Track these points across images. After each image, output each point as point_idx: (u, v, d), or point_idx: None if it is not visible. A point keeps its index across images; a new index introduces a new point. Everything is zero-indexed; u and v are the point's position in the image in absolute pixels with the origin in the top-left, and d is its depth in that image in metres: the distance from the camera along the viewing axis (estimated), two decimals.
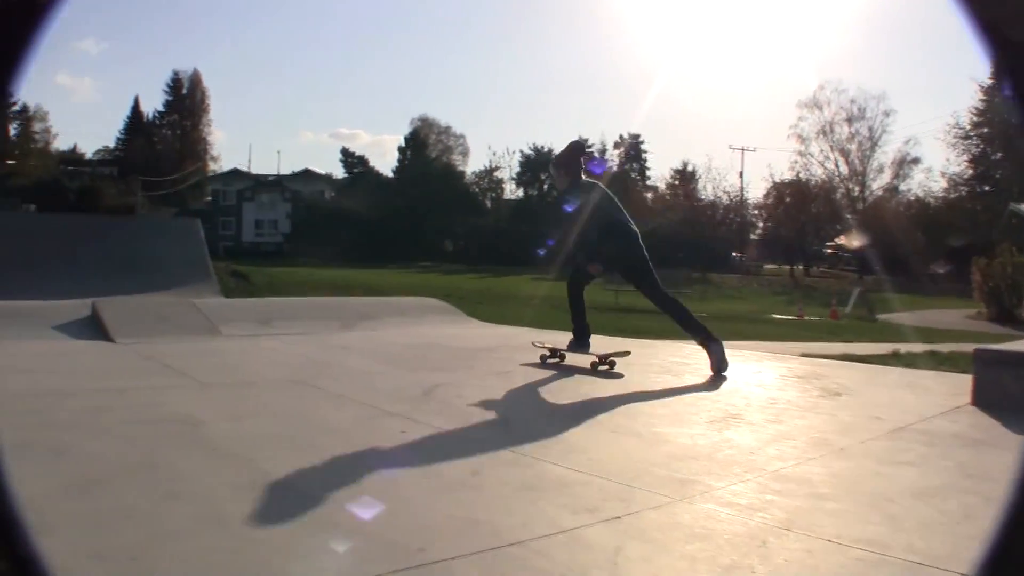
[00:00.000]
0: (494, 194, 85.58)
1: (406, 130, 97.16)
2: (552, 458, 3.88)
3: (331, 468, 3.74)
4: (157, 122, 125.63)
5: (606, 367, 6.73)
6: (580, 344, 7.14)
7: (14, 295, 10.98)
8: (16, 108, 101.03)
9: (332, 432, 4.46)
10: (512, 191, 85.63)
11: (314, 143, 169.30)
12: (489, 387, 6.03)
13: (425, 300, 13.89)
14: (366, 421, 4.72)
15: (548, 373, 6.73)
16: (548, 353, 7.26)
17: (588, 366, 6.79)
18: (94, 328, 8.73)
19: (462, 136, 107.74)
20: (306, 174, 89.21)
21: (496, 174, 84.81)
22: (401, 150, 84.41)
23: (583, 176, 6.87)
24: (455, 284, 30.61)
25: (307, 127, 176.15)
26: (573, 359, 7.10)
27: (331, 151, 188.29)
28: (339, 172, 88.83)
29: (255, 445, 4.09)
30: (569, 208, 6.65)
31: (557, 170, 6.96)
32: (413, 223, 70.47)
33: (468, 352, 8.17)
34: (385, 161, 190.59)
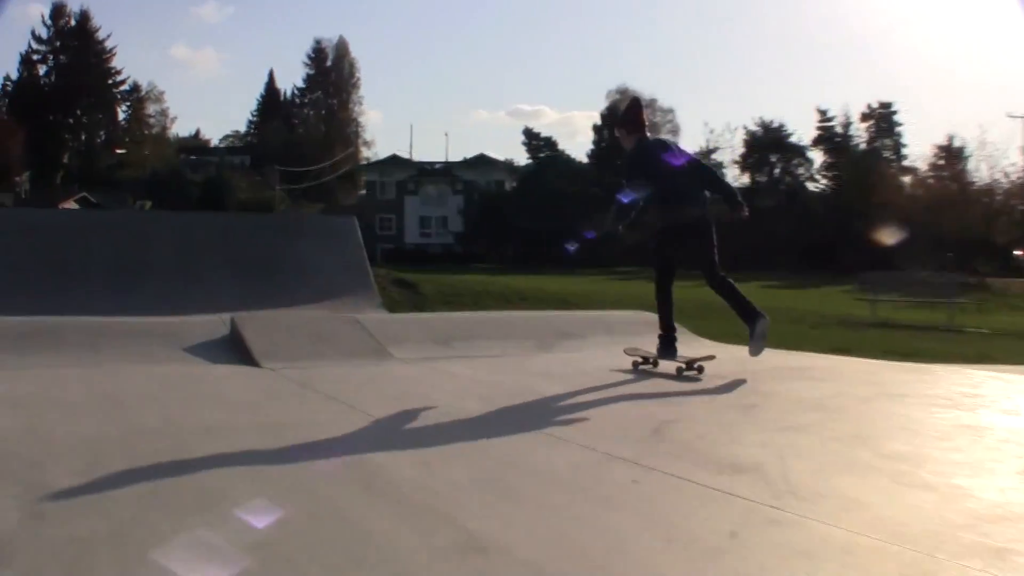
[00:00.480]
0: None
1: (601, 105, 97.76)
2: (826, 516, 3.93)
3: (554, 528, 3.75)
4: (296, 101, 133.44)
5: (694, 371, 8.35)
6: (666, 348, 8.81)
7: (132, 309, 11.92)
8: (125, 87, 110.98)
9: (547, 480, 4.51)
10: (735, 177, 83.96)
11: (489, 123, 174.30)
12: (732, 423, 6.10)
13: (638, 314, 13.90)
14: (588, 467, 4.80)
15: (806, 404, 6.84)
16: (640, 360, 9.03)
17: (674, 371, 8.43)
18: (234, 350, 9.24)
19: (670, 111, 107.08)
20: (481, 161, 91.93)
21: (714, 156, 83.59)
22: (597, 129, 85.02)
23: (648, 135, 8.56)
24: (679, 292, 30.46)
25: (480, 104, 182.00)
26: (665, 366, 8.49)
27: (510, 132, 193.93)
28: (521, 157, 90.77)
29: (452, 496, 4.16)
30: (637, 172, 8.38)
31: (621, 130, 8.62)
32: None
33: (701, 380, 8.30)
34: (576, 143, 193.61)
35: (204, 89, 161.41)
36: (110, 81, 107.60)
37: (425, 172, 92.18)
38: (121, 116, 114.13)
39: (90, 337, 9.27)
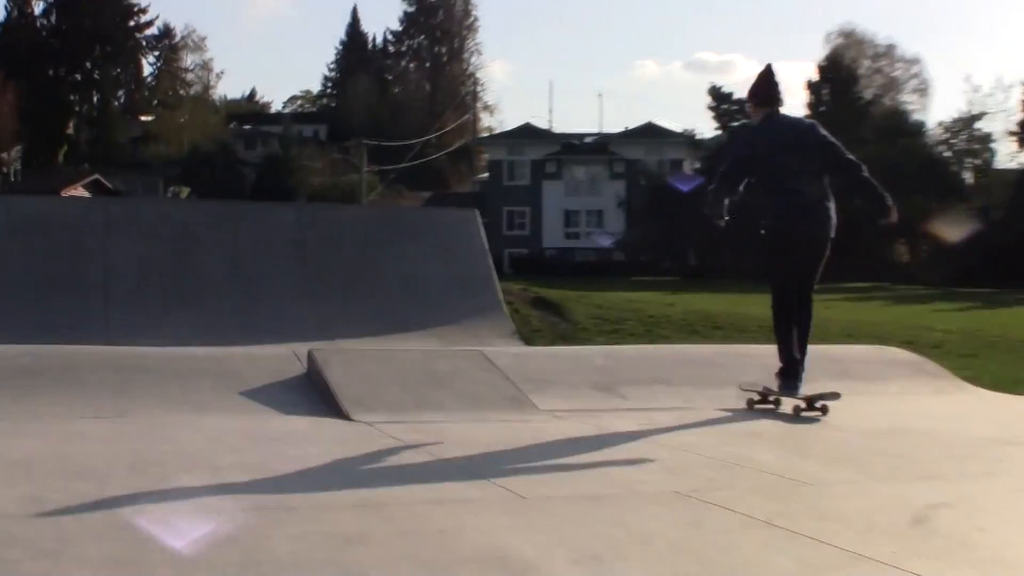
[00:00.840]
0: (978, 161, 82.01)
1: (817, 54, 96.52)
2: None
3: None
4: (390, 49, 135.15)
5: (817, 412, 9.50)
6: (788, 382, 9.89)
7: (171, 337, 12.16)
8: (152, 31, 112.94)
9: None
10: (1012, 154, 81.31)
11: (660, 80, 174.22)
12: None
13: (882, 351, 13.91)
14: (827, 571, 4.77)
15: None
16: (758, 398, 10.04)
17: (791, 411, 9.54)
18: (312, 395, 9.35)
19: (916, 61, 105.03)
20: (649, 132, 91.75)
21: (980, 125, 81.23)
22: (812, 87, 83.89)
23: (782, 111, 10.07)
24: (922, 321, 29.68)
25: (647, 53, 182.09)
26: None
27: (690, 92, 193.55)
28: (705, 126, 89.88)
29: None
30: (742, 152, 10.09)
31: (749, 103, 10.17)
32: (842, 209, 69.35)
33: (976, 446, 8.28)
34: (783, 110, 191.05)
35: (262, 34, 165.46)
36: (131, 23, 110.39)
37: (572, 148, 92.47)
38: (147, 71, 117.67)
39: (115, 375, 9.48)
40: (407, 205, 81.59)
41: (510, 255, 79.91)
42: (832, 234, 9.91)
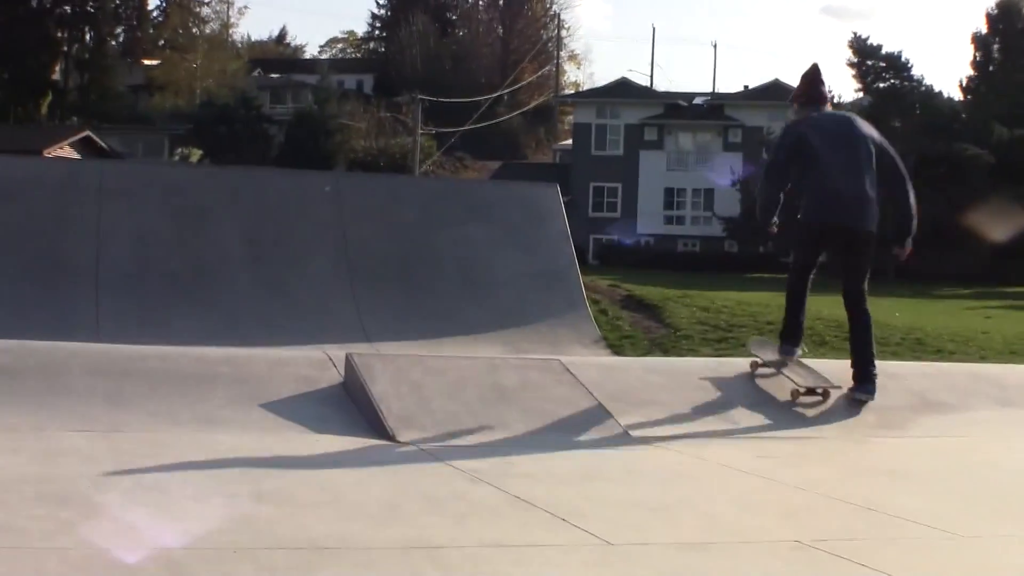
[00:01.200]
0: None
1: (985, 2, 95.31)
2: None
3: None
4: None
5: (818, 398, 10.78)
6: (786, 346, 11.62)
7: (177, 335, 12.22)
8: None
9: None
10: None
11: (789, 27, 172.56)
12: None
13: None
14: None
15: None
16: (802, 390, 11.01)
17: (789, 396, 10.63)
18: (349, 409, 9.39)
19: None
20: (773, 92, 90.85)
21: None
22: (978, 41, 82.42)
23: (828, 108, 11.67)
24: None
25: None
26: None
27: (825, 43, 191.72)
28: (846, 87, 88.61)
29: None
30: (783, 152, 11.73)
31: (793, 105, 11.89)
32: (1009, 194, 68.15)
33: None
34: (939, 65, 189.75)
35: None
36: None
37: (677, 111, 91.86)
38: (152, 3, 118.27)
39: (109, 380, 9.51)
40: (470, 177, 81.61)
41: (596, 242, 79.51)
42: (872, 229, 11.64)
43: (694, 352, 17.12)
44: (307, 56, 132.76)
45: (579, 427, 9.40)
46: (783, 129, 11.65)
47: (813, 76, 11.77)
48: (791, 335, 11.71)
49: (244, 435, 8.70)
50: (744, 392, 11.00)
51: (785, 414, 10.52)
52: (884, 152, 11.41)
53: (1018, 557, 6.29)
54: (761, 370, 11.43)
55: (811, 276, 12.13)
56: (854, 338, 11.44)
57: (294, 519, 6.27)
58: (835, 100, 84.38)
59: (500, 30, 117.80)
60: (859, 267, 11.83)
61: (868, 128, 11.64)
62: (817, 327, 20.18)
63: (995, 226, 62.23)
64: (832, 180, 11.23)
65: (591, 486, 7.58)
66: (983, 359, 18.63)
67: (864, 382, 10.88)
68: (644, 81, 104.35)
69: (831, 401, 10.89)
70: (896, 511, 7.18)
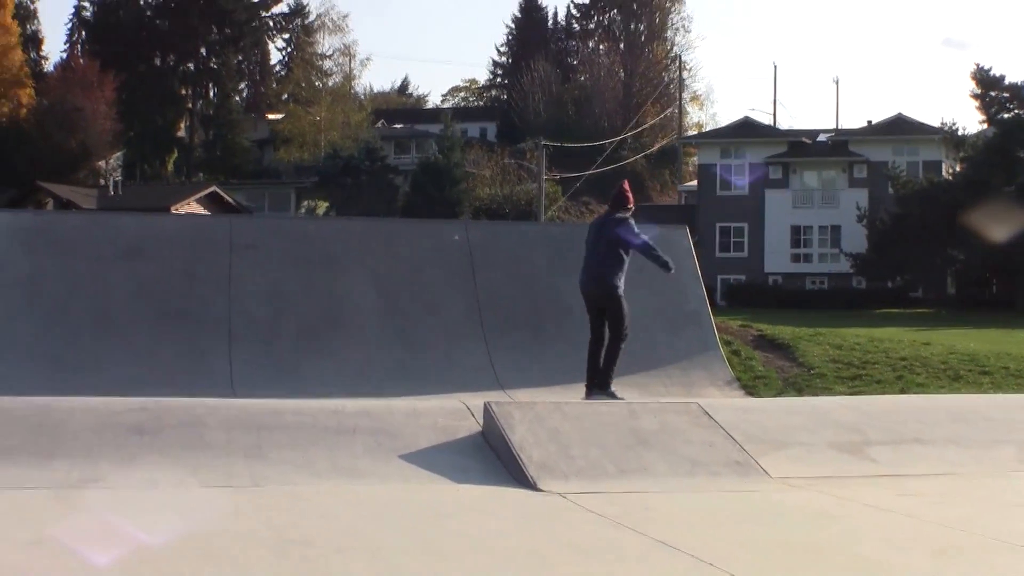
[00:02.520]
0: None
1: None
2: None
3: None
4: (575, 28, 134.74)
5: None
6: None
7: (311, 387, 12.27)
8: (280, 7, 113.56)
9: None
10: None
11: (912, 60, 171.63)
12: None
13: None
14: None
15: None
16: None
17: None
18: (489, 457, 9.43)
19: None
20: (898, 127, 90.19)
21: None
22: None
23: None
24: None
25: (893, 27, 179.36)
26: None
27: (949, 74, 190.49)
28: (970, 119, 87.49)
29: None
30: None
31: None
32: None
33: None
34: None
35: (416, 10, 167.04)
36: None
37: (801, 148, 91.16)
38: (275, 58, 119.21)
39: (246, 435, 9.61)
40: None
41: (723, 282, 79.11)
42: (603, 291, 13.80)
43: (828, 391, 17.01)
44: (430, 105, 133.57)
45: (720, 469, 9.38)
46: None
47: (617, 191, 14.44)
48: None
49: (385, 486, 8.74)
50: (881, 428, 10.89)
51: (924, 452, 10.36)
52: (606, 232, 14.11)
53: None
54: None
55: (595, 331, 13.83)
56: (605, 356, 13.46)
57: (440, 571, 6.26)
58: (959, 132, 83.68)
59: (621, 74, 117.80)
60: (612, 316, 13.70)
61: (608, 220, 14.35)
62: (951, 361, 20.03)
63: None
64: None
65: (735, 528, 7.55)
66: None
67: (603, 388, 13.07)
68: (767, 119, 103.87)
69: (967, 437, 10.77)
70: None
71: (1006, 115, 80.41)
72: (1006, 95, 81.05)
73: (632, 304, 15.14)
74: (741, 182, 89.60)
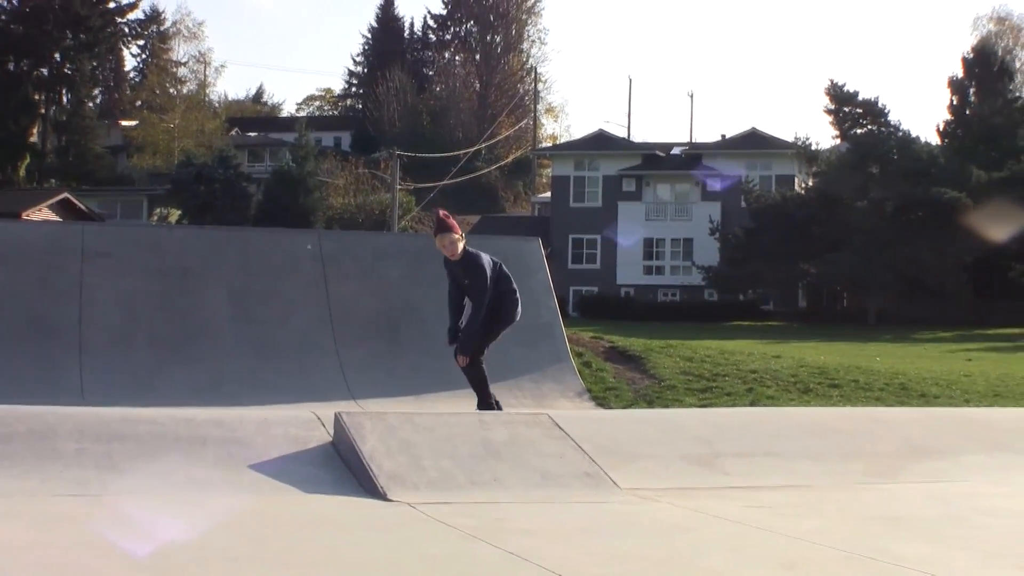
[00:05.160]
0: None
1: (964, 43, 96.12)
2: None
3: None
4: (431, 39, 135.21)
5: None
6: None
7: (162, 396, 12.20)
8: (136, 14, 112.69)
9: None
10: None
11: (765, 75, 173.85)
12: None
13: None
14: None
15: None
16: None
17: None
18: (339, 468, 9.37)
19: None
20: (752, 141, 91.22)
21: None
22: (955, 85, 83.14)
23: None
24: None
25: (748, 43, 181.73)
26: None
27: (802, 90, 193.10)
28: (823, 135, 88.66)
29: None
30: None
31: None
32: (979, 245, 68.55)
33: None
34: (916, 110, 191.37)
35: (271, 19, 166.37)
36: (111, 4, 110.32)
37: (655, 161, 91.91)
38: (130, 64, 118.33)
39: (97, 444, 9.48)
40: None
41: (576, 294, 79.61)
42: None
43: (679, 403, 17.19)
44: (284, 114, 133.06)
45: (570, 481, 9.42)
46: (480, 257, 13.48)
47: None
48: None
49: (236, 499, 8.67)
50: (732, 440, 11.00)
51: (775, 464, 10.50)
52: None
53: None
54: None
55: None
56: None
57: None
58: (813, 147, 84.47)
59: (477, 85, 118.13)
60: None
61: None
62: (801, 374, 20.27)
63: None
64: None
65: (585, 540, 7.59)
66: (967, 402, 18.73)
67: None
68: (622, 132, 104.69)
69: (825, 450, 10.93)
70: (893, 559, 7.20)
71: (859, 130, 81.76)
72: (859, 110, 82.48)
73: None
74: (595, 194, 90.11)
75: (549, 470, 9.54)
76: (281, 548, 7.13)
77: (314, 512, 8.33)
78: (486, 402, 12.92)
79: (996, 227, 66.99)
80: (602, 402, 16.27)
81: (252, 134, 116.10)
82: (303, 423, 10.31)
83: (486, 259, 13.44)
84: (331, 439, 9.93)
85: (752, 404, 16.91)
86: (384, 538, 7.49)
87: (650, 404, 17.23)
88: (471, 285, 13.36)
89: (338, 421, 9.93)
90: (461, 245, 13.28)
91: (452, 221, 13.58)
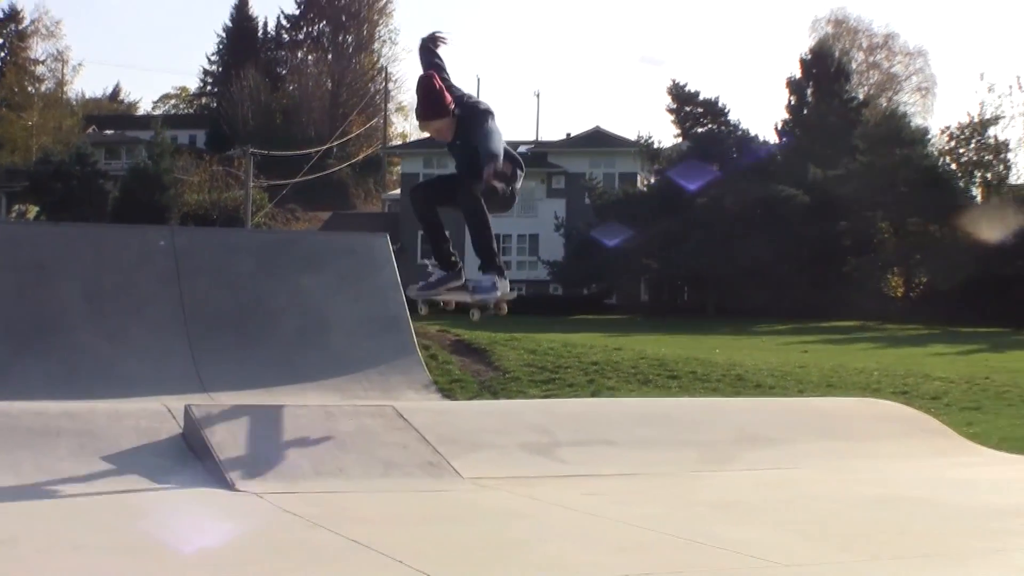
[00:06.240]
0: (989, 176, 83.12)
1: (803, 44, 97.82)
2: None
3: None
4: (285, 39, 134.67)
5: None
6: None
7: (15, 389, 11.99)
8: None
9: None
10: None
11: (608, 75, 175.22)
12: None
13: (870, 404, 14.10)
14: None
15: None
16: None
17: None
18: (188, 460, 9.31)
19: (919, 54, 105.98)
20: (596, 139, 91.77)
21: (994, 132, 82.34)
22: (793, 85, 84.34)
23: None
24: (917, 367, 29.83)
25: (591, 44, 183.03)
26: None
27: (646, 92, 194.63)
28: (666, 133, 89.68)
29: None
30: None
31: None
32: (823, 233, 69.66)
33: (983, 517, 8.43)
34: (756, 109, 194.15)
35: (128, 18, 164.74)
36: None
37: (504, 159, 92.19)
38: None
39: None
40: (302, 228, 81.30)
41: None
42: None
43: (522, 394, 17.23)
44: (141, 112, 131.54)
45: (413, 471, 9.47)
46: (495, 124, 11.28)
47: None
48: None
49: (87, 487, 8.61)
50: (571, 430, 11.11)
51: (611, 453, 10.55)
52: None
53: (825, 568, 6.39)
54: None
55: None
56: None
57: (144, 570, 6.21)
58: (655, 145, 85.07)
59: (329, 84, 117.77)
60: None
61: None
62: (641, 366, 20.41)
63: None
64: None
65: (427, 528, 7.65)
66: (801, 392, 19.00)
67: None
68: None
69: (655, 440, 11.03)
70: (721, 543, 7.30)
71: (700, 129, 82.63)
72: (700, 110, 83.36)
73: (335, 312, 15.25)
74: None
75: (393, 460, 9.58)
76: (127, 536, 7.10)
77: (162, 501, 8.31)
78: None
79: (832, 223, 68.28)
80: (448, 394, 16.30)
81: (109, 132, 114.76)
82: (154, 415, 10.24)
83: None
84: (181, 431, 9.88)
85: (593, 395, 16.98)
86: (229, 526, 7.47)
87: (494, 395, 17.26)
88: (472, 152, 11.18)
89: (188, 413, 9.90)
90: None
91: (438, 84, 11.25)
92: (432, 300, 12.20)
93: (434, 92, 11.08)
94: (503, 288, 11.99)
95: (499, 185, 11.35)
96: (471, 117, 11.09)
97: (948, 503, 9.10)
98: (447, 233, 12.11)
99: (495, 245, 11.94)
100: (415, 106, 11.32)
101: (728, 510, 8.65)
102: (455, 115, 11.11)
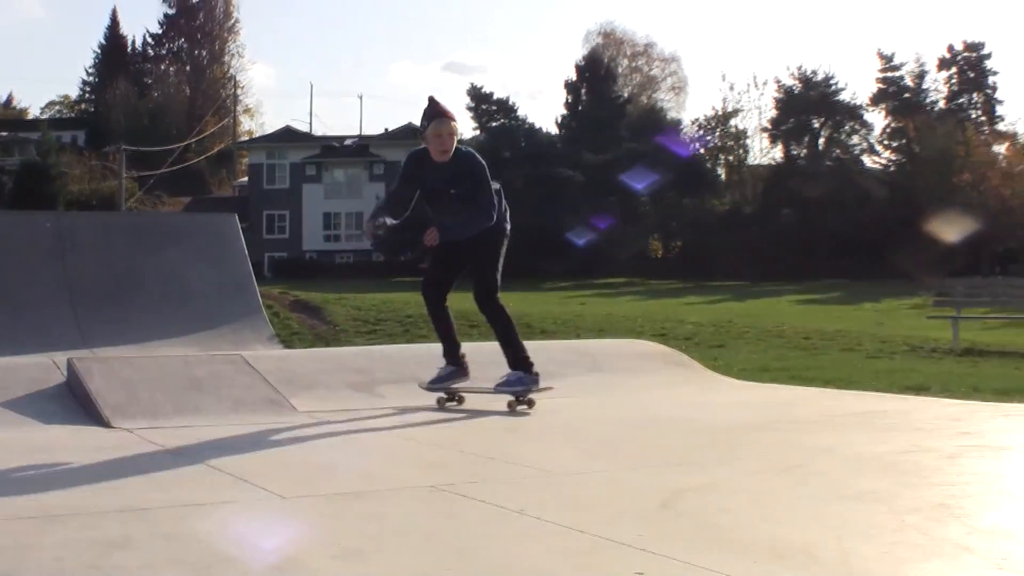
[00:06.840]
0: (731, 158, 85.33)
1: (577, 53, 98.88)
2: None
3: None
4: (150, 52, 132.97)
5: (524, 406, 9.73)
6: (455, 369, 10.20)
7: None
8: None
9: None
10: (762, 151, 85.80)
11: (418, 80, 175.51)
12: (768, 492, 6.23)
13: (633, 344, 14.33)
14: (576, 557, 4.81)
15: (870, 463, 7.04)
16: (445, 397, 10.20)
17: (506, 406, 9.75)
18: (73, 404, 9.22)
19: (673, 60, 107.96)
20: (409, 133, 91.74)
21: (735, 122, 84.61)
22: (570, 87, 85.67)
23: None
24: (674, 314, 30.76)
25: (404, 54, 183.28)
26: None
27: (449, 93, 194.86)
28: (465, 127, 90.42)
29: None
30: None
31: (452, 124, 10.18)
32: (595, 206, 71.08)
33: (722, 432, 8.59)
34: (540, 106, 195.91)
35: (17, 35, 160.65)
36: None
37: (332, 151, 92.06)
38: None
39: None
40: (167, 211, 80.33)
41: (270, 259, 79.52)
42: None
43: (350, 343, 17.32)
44: (30, 117, 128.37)
45: (258, 407, 9.48)
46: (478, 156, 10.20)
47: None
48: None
49: None
50: (387, 371, 11.20)
51: (417, 389, 10.56)
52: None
53: (599, 488, 6.48)
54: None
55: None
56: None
57: (28, 495, 6.13)
58: (460, 138, 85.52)
59: (188, 91, 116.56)
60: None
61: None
62: None
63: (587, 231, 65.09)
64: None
65: (269, 453, 7.72)
66: (578, 336, 19.26)
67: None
68: (304, 127, 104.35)
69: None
70: (510, 458, 7.40)
71: (494, 124, 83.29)
72: (494, 108, 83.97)
73: (194, 279, 15.15)
74: (284, 178, 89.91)
75: (241, 398, 9.59)
76: (18, 468, 7.02)
77: (49, 438, 8.21)
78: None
79: (603, 197, 69.43)
80: (288, 344, 16.36)
81: (3, 134, 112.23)
82: (43, 368, 10.11)
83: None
84: (65, 380, 9.76)
85: (408, 343, 17.09)
86: (106, 456, 7.40)
87: (327, 344, 17.35)
88: (466, 194, 10.11)
89: (71, 365, 9.78)
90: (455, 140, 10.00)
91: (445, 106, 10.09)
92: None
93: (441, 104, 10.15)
94: (531, 384, 9.91)
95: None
96: (473, 159, 10.19)
97: (695, 421, 9.29)
98: (455, 331, 10.47)
99: (517, 340, 10.31)
100: (430, 114, 10.10)
101: (517, 433, 8.80)
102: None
